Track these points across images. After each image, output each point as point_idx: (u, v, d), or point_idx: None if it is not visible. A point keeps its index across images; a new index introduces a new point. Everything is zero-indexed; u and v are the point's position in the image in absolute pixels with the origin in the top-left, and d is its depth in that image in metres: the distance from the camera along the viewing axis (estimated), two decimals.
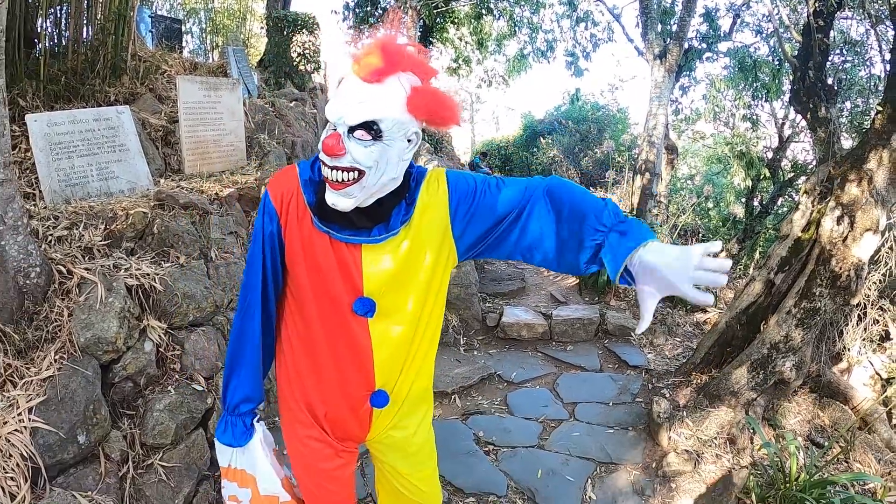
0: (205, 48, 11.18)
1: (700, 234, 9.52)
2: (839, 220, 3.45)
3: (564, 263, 1.46)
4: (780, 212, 10.18)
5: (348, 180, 1.34)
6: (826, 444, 3.43)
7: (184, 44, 9.59)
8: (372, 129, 1.31)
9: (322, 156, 1.35)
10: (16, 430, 2.17)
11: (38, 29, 4.60)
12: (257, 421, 1.69)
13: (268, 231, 1.49)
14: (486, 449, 3.56)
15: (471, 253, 1.58)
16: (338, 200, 1.37)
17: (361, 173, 1.34)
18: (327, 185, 1.37)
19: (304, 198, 1.46)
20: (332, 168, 1.33)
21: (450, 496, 3.08)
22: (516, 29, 13.53)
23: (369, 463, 1.90)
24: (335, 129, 1.34)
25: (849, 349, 4.03)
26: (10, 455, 2.11)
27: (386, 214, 1.44)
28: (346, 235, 1.44)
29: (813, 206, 3.79)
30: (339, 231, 1.43)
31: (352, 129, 1.32)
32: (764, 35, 9.77)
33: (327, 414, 1.64)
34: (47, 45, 4.62)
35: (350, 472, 1.78)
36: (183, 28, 10.10)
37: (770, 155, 10.34)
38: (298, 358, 1.62)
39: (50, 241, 3.01)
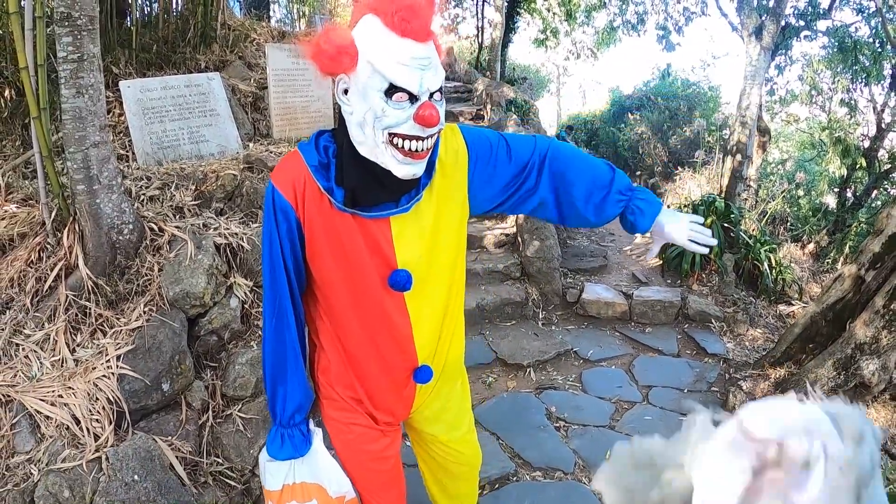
0: (292, 17, 11.32)
1: (788, 223, 8.90)
2: None
3: (574, 221, 1.68)
4: (873, 205, 9.37)
5: (431, 146, 1.31)
6: None
7: (271, 13, 9.77)
8: (441, 89, 1.30)
9: (415, 129, 1.26)
10: (104, 375, 2.31)
11: (129, 0, 4.79)
12: (314, 425, 1.65)
13: (283, 229, 1.39)
14: (557, 425, 3.50)
15: (481, 210, 1.60)
16: (417, 169, 1.31)
17: (438, 135, 1.34)
18: (400, 157, 1.28)
19: (319, 184, 1.35)
20: (426, 138, 1.28)
21: (517, 468, 3.06)
22: (606, 0, 13.02)
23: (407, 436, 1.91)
24: (418, 100, 1.25)
25: None
26: (97, 399, 2.25)
27: (416, 180, 1.37)
28: (375, 212, 1.37)
29: None
30: (366, 210, 1.36)
31: (431, 94, 1.27)
32: (865, 14, 8.97)
33: (370, 398, 1.60)
34: (138, 15, 4.82)
35: (396, 450, 1.74)
36: None
37: (867, 144, 9.56)
38: (333, 349, 1.57)
39: (142, 200, 3.16)
